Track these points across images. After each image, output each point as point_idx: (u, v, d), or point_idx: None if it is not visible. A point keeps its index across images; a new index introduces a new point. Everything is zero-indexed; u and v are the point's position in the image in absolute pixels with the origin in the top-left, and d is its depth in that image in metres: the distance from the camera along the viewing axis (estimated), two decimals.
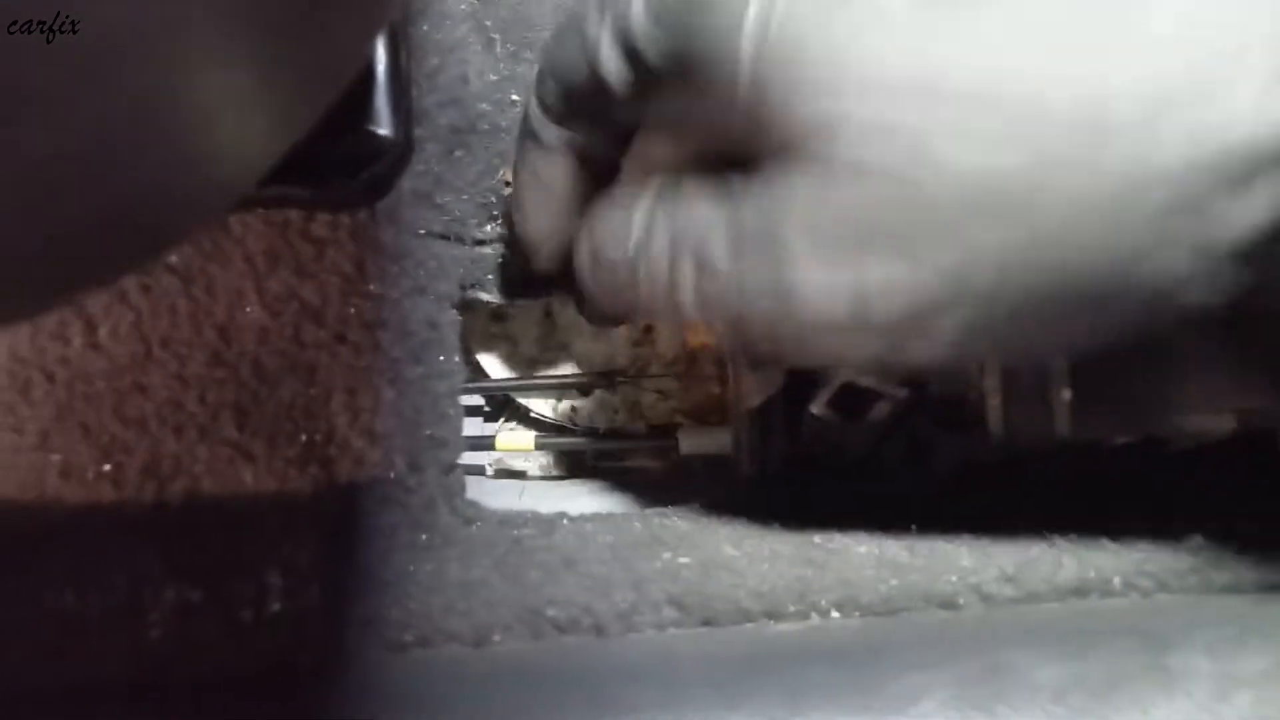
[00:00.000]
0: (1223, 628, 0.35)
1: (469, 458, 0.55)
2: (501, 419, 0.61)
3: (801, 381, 0.48)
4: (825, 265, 0.29)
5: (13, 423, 0.41)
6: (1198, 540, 0.39)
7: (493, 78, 0.54)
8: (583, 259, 0.36)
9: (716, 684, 0.33)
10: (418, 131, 0.48)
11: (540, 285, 0.52)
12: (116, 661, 0.36)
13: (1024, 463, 0.47)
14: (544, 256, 0.41)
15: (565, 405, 0.60)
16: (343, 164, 0.44)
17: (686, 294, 0.32)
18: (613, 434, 0.59)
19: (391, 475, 0.43)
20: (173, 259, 0.43)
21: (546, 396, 0.60)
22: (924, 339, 0.29)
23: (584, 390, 0.59)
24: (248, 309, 0.43)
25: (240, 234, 0.44)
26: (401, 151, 0.46)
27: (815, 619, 0.38)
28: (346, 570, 0.39)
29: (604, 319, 0.40)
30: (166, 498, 0.41)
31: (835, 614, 0.38)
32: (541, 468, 0.61)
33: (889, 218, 0.28)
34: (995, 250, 0.28)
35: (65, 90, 0.17)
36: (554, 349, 0.60)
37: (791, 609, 0.38)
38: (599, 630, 0.37)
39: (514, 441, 0.57)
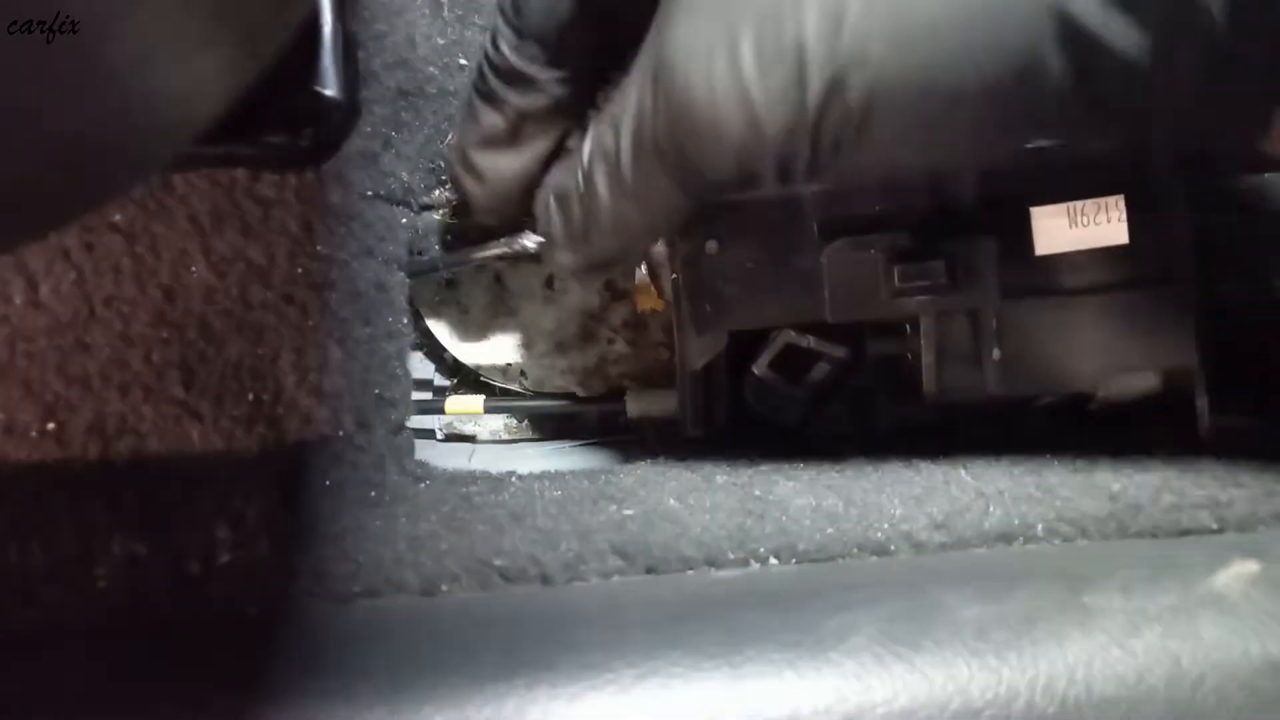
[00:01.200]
0: (1137, 568, 0.37)
1: (419, 421, 0.55)
2: (452, 383, 0.62)
3: (745, 344, 0.49)
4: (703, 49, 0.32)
5: None
6: (1115, 489, 0.41)
7: (440, 41, 0.54)
8: (546, 204, 0.40)
9: (657, 625, 0.34)
10: (364, 93, 0.49)
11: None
12: (65, 611, 0.36)
13: (956, 420, 0.49)
14: (497, 209, 0.42)
15: (515, 370, 0.61)
16: (288, 123, 0.44)
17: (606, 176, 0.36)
18: (562, 397, 0.60)
19: (340, 434, 0.44)
20: (116, 217, 0.43)
21: (496, 361, 0.60)
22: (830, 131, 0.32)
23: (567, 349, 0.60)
24: (193, 269, 0.43)
25: (185, 193, 0.44)
26: (347, 112, 0.46)
27: (754, 566, 0.39)
28: (295, 524, 0.39)
29: (581, 267, 0.43)
30: (112, 456, 0.41)
31: (773, 561, 0.39)
32: (491, 433, 0.61)
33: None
34: None
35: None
36: (504, 315, 0.61)
37: (731, 556, 0.39)
38: (545, 579, 0.38)
39: (464, 405, 0.58)
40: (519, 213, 0.44)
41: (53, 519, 0.38)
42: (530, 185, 0.43)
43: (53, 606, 0.36)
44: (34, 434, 0.41)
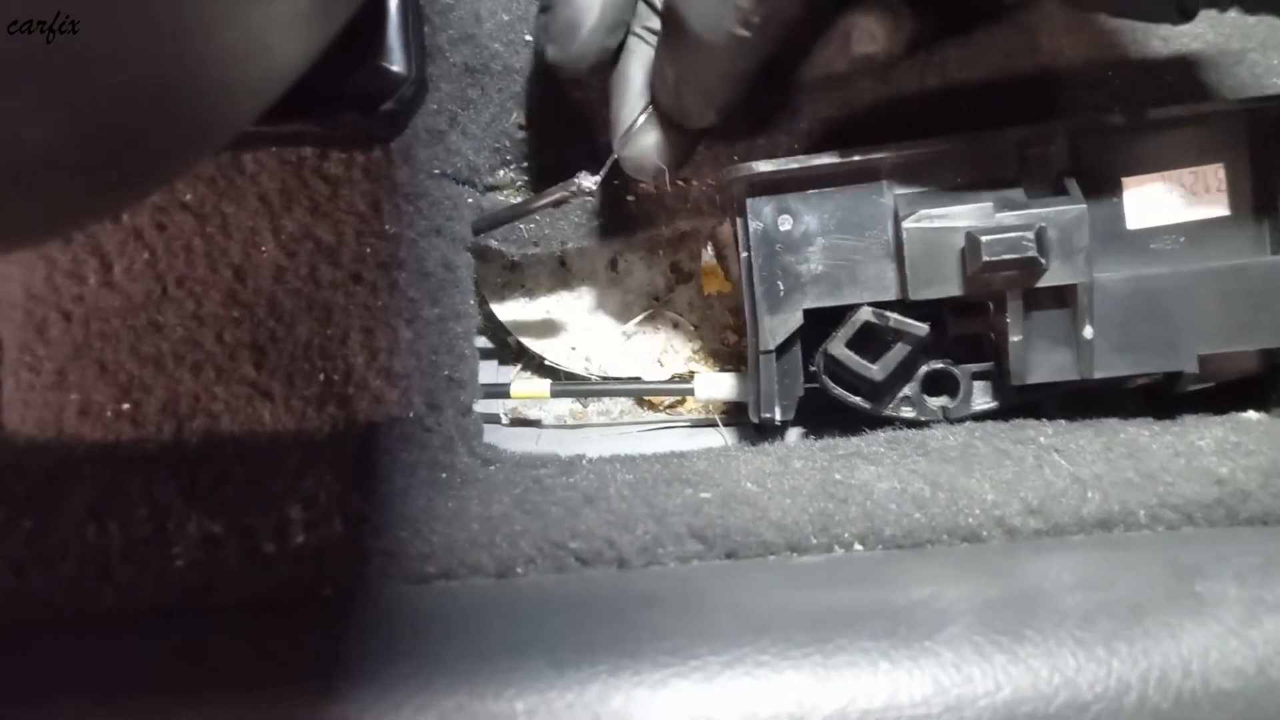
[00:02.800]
0: (1251, 556, 0.35)
1: (484, 406, 0.54)
2: (517, 368, 0.61)
3: (820, 323, 0.48)
4: None
5: (30, 361, 0.41)
6: (1222, 473, 0.39)
7: (505, 18, 0.53)
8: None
9: (741, 611, 0.33)
10: (430, 69, 0.48)
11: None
12: (142, 590, 0.36)
13: (1043, 401, 0.47)
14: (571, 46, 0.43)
15: (580, 354, 0.60)
16: (355, 100, 0.43)
17: None
18: (627, 380, 0.59)
19: (410, 415, 0.43)
20: (187, 196, 0.42)
21: (560, 344, 0.60)
22: None
23: (600, 334, 0.59)
24: (263, 248, 0.43)
25: (254, 172, 0.43)
26: (414, 88, 0.46)
27: (838, 551, 0.37)
28: (367, 505, 0.39)
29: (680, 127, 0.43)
30: (185, 436, 0.41)
31: (858, 546, 0.38)
32: (556, 418, 0.61)
33: None
34: None
35: None
36: (568, 298, 0.60)
37: (814, 541, 0.37)
38: (621, 562, 0.37)
39: (529, 389, 0.57)
40: (594, 61, 0.43)
41: (129, 499, 0.38)
42: (603, 33, 0.42)
43: (130, 585, 0.36)
44: (109, 414, 0.41)
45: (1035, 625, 0.32)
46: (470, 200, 0.51)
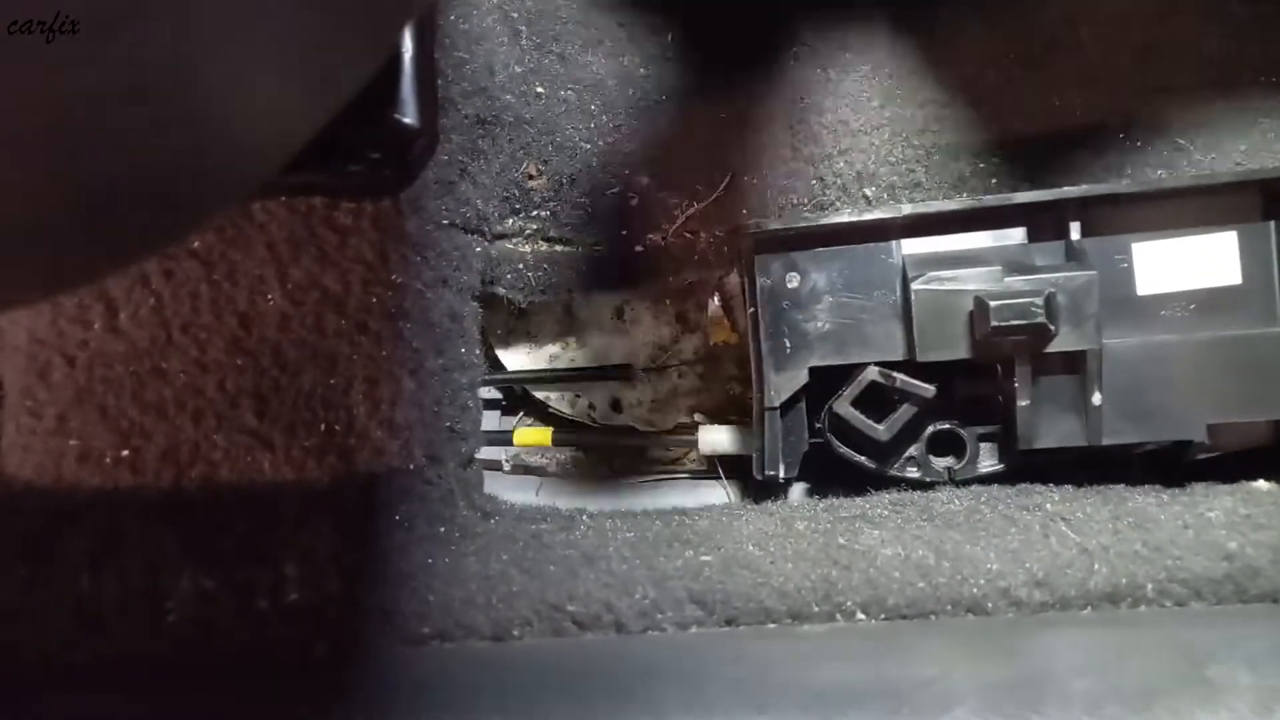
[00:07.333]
0: (1263, 639, 0.34)
1: (486, 453, 0.54)
2: (519, 414, 0.61)
3: (826, 380, 0.47)
4: None
5: (31, 406, 0.41)
6: (1231, 548, 0.38)
7: (517, 69, 0.54)
8: None
9: (741, 684, 0.32)
10: (442, 121, 0.48)
11: None
12: (135, 644, 0.36)
13: (1050, 466, 0.46)
14: None
15: (583, 402, 0.59)
16: (367, 151, 0.43)
17: None
18: (631, 431, 0.58)
19: (410, 467, 0.43)
20: (195, 244, 0.42)
21: (565, 392, 0.59)
22: None
23: (608, 383, 0.59)
24: (269, 297, 0.43)
25: (263, 221, 0.43)
26: (426, 140, 0.46)
27: (840, 620, 0.37)
28: (364, 561, 0.38)
29: None
30: (184, 484, 0.40)
31: (861, 616, 0.37)
32: (559, 464, 0.60)
33: None
34: None
35: (114, 22, 0.17)
36: (573, 346, 0.59)
37: (816, 609, 0.37)
38: (619, 627, 0.37)
39: (532, 437, 0.57)
40: None
41: (125, 550, 0.38)
42: None
43: (122, 638, 0.36)
44: (108, 460, 0.40)
45: (1042, 710, 0.31)
46: (479, 249, 0.51)
